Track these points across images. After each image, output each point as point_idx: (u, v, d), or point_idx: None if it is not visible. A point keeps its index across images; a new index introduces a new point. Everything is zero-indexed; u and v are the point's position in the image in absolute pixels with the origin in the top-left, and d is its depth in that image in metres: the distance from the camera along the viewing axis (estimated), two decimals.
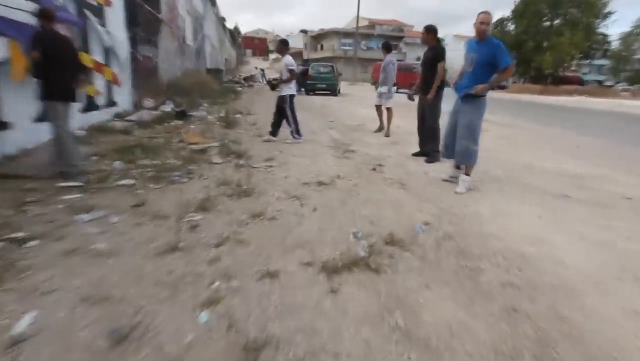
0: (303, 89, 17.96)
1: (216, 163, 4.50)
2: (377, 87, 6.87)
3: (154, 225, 2.77)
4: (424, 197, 3.60)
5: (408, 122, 8.35)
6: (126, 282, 2.11)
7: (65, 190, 3.39)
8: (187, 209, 3.04)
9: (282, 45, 5.75)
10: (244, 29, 73.84)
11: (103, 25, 6.82)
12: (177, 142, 5.51)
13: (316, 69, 18.13)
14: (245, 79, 24.81)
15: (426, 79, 4.91)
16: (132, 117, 7.12)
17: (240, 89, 17.54)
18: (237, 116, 8.43)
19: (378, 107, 7.00)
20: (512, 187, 4.02)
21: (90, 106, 6.34)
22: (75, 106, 4.06)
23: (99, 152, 4.68)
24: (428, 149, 5.09)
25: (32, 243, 2.45)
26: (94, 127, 6.04)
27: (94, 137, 5.47)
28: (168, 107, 8.54)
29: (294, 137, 5.89)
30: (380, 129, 7.05)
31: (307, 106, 11.97)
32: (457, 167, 4.02)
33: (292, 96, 5.78)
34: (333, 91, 17.67)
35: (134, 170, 4.04)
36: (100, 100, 6.77)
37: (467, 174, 3.83)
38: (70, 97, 3.73)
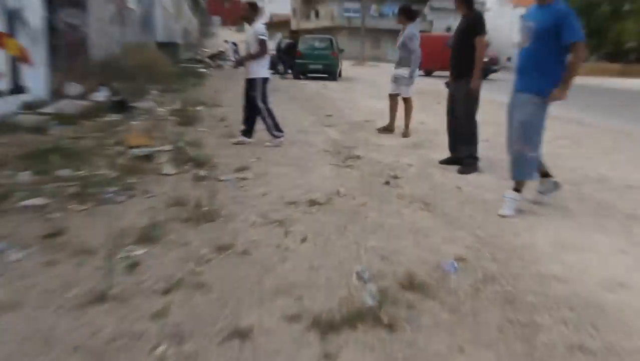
0: (290, 71, 18.14)
1: (167, 175, 4.51)
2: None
3: (75, 264, 2.72)
4: (456, 222, 3.59)
5: (436, 116, 8.47)
6: (28, 350, 2.05)
7: None
8: (124, 240, 3.01)
9: (251, 9, 5.89)
10: None
11: None
12: (113, 144, 5.51)
13: (308, 43, 18.38)
14: (212, 57, 25.03)
15: (458, 59, 4.96)
16: (49, 109, 7.10)
17: (204, 70, 17.66)
18: (199, 108, 8.47)
19: (392, 97, 7.05)
20: (581, 208, 4.02)
21: None
22: None
23: None
24: (462, 155, 5.10)
25: None
26: None
27: None
28: (101, 96, 8.55)
29: (273, 137, 5.92)
30: (387, 128, 7.04)
31: (295, 94, 12.09)
32: (545, 174, 4.03)
33: (264, 80, 5.88)
34: (332, 73, 17.92)
35: (48, 185, 3.99)
36: (1, 84, 6.74)
37: (517, 190, 3.83)
38: None
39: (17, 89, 7.19)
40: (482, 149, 6.00)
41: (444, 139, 5.62)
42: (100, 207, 3.62)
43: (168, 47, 19.47)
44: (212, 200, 3.79)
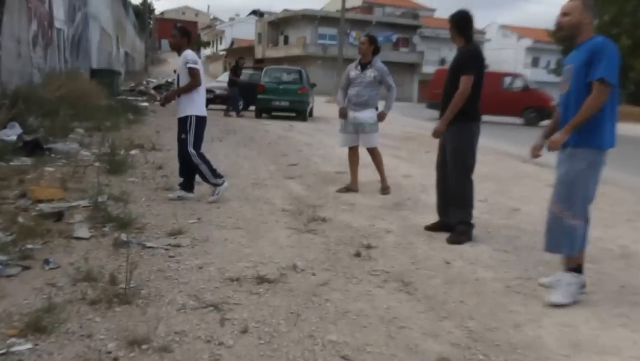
0: (251, 107, 18.26)
1: (80, 239, 4.34)
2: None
3: None
4: (441, 309, 3.46)
5: (423, 169, 8.48)
6: None
7: None
8: (6, 330, 2.80)
9: (180, 35, 5.85)
10: (160, 6, 75.89)
11: None
12: (16, 197, 5.32)
13: (273, 75, 18.61)
14: (158, 88, 25.12)
15: (448, 99, 4.98)
16: None
17: (146, 104, 17.61)
18: (134, 152, 8.33)
19: (352, 150, 6.97)
20: (600, 293, 3.91)
21: None
22: None
23: None
24: (453, 220, 5.03)
25: None
26: None
27: None
28: (11, 134, 8.33)
29: (213, 186, 5.89)
30: (350, 188, 6.86)
31: (254, 137, 12.08)
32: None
33: (199, 119, 5.83)
34: (300, 112, 18.16)
35: None
36: None
37: (575, 270, 3.67)
38: None
39: None
40: (479, 212, 5.97)
41: (432, 198, 5.57)
42: None
43: (105, 75, 19.57)
44: (132, 274, 3.59)
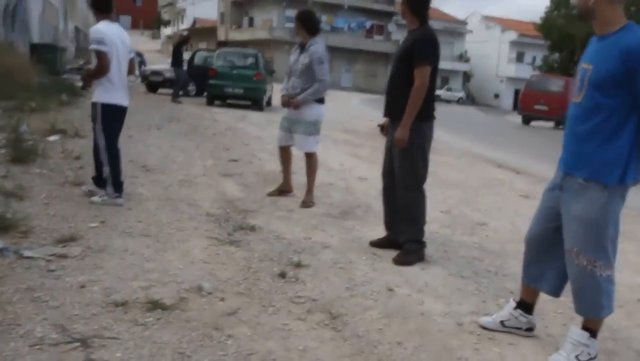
0: (205, 94, 17.67)
1: None
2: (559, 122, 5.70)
3: None
4: (374, 353, 2.98)
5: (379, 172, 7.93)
6: None
7: None
8: None
9: (100, 1, 5.20)
10: None
11: None
12: None
13: (226, 59, 18.02)
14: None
15: (394, 94, 4.49)
16: None
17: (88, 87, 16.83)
18: (52, 138, 7.69)
19: (283, 149, 6.18)
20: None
21: None
22: None
23: None
24: (401, 237, 4.56)
25: None
26: None
27: None
28: None
29: (105, 193, 5.20)
30: (282, 190, 6.25)
31: (198, 127, 11.52)
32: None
33: (111, 108, 5.17)
34: (256, 100, 17.61)
35: None
36: None
37: (590, 330, 3.07)
38: None
39: None
40: (439, 226, 5.58)
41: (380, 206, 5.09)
42: None
43: (46, 51, 18.73)
44: None
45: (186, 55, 19.85)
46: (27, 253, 3.72)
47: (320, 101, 5.93)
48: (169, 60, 19.34)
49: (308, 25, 5.88)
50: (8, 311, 2.92)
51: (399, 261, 4.40)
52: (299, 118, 5.90)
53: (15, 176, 5.57)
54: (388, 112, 4.61)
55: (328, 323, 3.23)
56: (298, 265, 4.07)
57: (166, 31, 73.11)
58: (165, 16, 76.84)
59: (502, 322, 3.39)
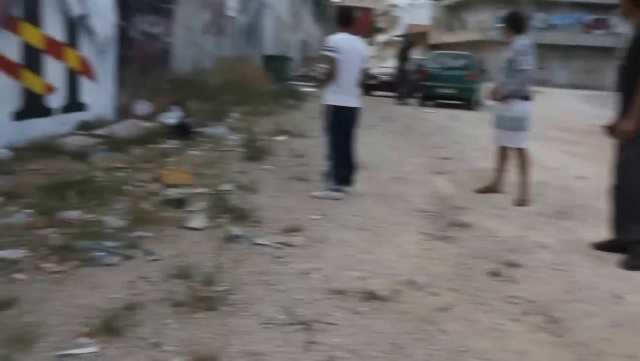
0: (418, 97, 17.66)
1: (192, 229, 4.19)
2: None
3: None
4: None
5: (604, 170, 7.20)
6: None
7: None
8: (79, 327, 2.65)
9: (342, 17, 5.57)
10: None
11: None
12: (150, 180, 5.36)
13: (439, 61, 17.92)
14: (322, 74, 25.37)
15: (629, 88, 4.04)
16: (102, 131, 7.25)
17: (311, 90, 17.78)
18: (280, 138, 8.23)
19: (499, 149, 5.96)
20: None
21: (34, 109, 6.55)
22: None
23: (12, 190, 4.66)
24: (630, 238, 4.07)
25: None
26: (35, 144, 6.18)
27: (23, 162, 5.55)
28: (171, 117, 8.65)
29: (326, 186, 5.41)
30: (490, 188, 5.95)
31: (410, 126, 11.50)
32: None
33: (340, 110, 5.36)
34: (467, 100, 17.22)
35: (42, 230, 3.88)
36: (56, 101, 7.00)
37: None
38: None
39: (75, 106, 7.49)
40: None
41: (603, 207, 4.61)
42: (81, 269, 3.37)
43: (275, 61, 20.08)
44: (229, 275, 3.31)
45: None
46: (258, 241, 4.00)
47: (526, 97, 5.69)
48: (384, 64, 19.65)
49: (513, 24, 5.84)
50: (243, 292, 3.15)
51: (628, 266, 3.93)
52: (505, 114, 5.75)
53: (250, 171, 6.05)
54: (621, 109, 4.16)
55: (546, 327, 2.99)
56: (512, 264, 3.84)
57: (381, 38, 74.74)
58: (380, 24, 78.59)
59: None
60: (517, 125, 5.69)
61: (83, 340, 2.56)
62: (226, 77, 12.73)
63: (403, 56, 17.76)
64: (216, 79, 12.39)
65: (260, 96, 12.69)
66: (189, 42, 12.43)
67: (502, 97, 5.72)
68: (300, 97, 14.90)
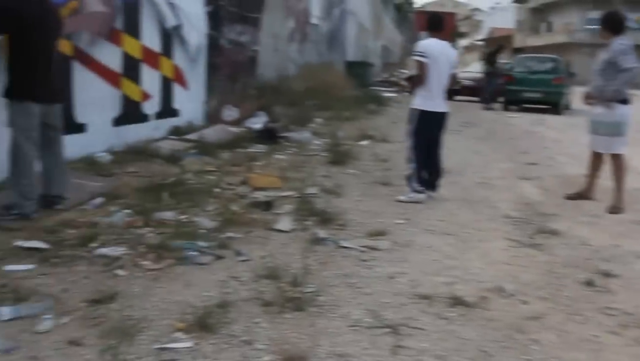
0: (502, 101, 17.17)
1: (279, 231, 4.24)
2: None
3: (98, 350, 2.47)
4: None
5: None
6: None
7: (19, 254, 3.46)
8: (176, 322, 2.74)
9: (432, 23, 5.54)
10: (421, 0, 76.61)
11: None
12: (238, 183, 5.47)
13: (524, 65, 17.41)
14: (409, 79, 25.09)
15: None
16: (192, 136, 7.48)
17: (392, 95, 17.65)
18: (362, 143, 8.20)
19: (594, 154, 5.65)
20: None
21: (131, 115, 6.86)
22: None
23: (113, 191, 4.87)
24: None
25: None
26: (131, 149, 6.46)
27: (121, 165, 5.80)
28: (258, 122, 8.84)
29: (410, 189, 5.35)
30: (582, 195, 5.66)
31: (494, 131, 11.18)
32: None
33: (428, 114, 5.30)
34: (554, 104, 16.57)
35: (139, 229, 4.04)
36: (151, 107, 7.31)
37: None
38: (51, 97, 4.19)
39: (168, 112, 7.79)
40: None
41: None
42: (175, 268, 3.48)
43: (357, 67, 20.07)
44: (316, 277, 3.33)
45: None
46: (344, 243, 3.99)
47: (624, 101, 5.35)
48: (466, 69, 19.23)
49: (610, 25, 5.48)
50: (330, 294, 3.15)
51: None
52: (602, 119, 5.43)
53: (334, 175, 6.07)
54: None
55: None
56: (607, 274, 3.64)
57: (463, 42, 73.35)
58: (462, 29, 77.11)
59: None
60: (615, 130, 5.38)
61: (179, 334, 2.64)
62: (309, 83, 12.86)
63: (491, 60, 17.33)
64: (300, 85, 12.53)
65: (343, 101, 12.70)
66: (274, 49, 12.65)
67: (601, 100, 5.42)
68: (381, 102, 14.81)
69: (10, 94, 4.04)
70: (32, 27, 3.97)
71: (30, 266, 3.31)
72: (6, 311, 2.78)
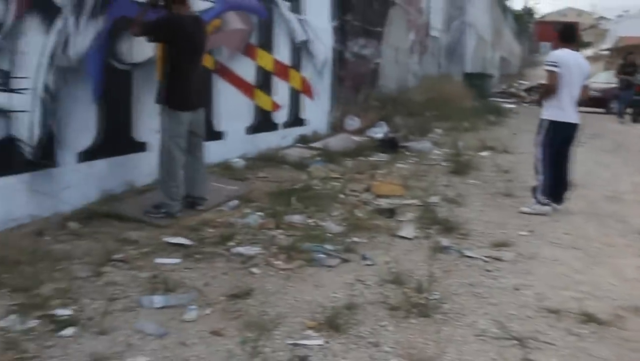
0: (630, 112, 15.89)
1: (403, 238, 4.21)
2: None
3: (237, 342, 2.59)
4: None
5: None
6: None
7: (167, 249, 3.71)
8: (306, 321, 2.81)
9: (565, 34, 5.29)
10: (544, 9, 73.01)
11: (297, 11, 7.68)
12: (362, 190, 5.50)
13: None
14: (529, 90, 24.01)
15: None
16: (318, 145, 7.64)
17: (511, 106, 16.96)
18: (483, 153, 7.95)
19: None
20: None
21: (263, 124, 7.14)
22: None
23: (246, 195, 5.08)
24: None
25: (66, 331, 2.61)
26: (262, 155, 6.72)
27: (253, 170, 6.05)
28: (379, 132, 8.86)
29: (535, 201, 5.08)
30: None
31: (622, 142, 10.38)
32: None
33: (558, 125, 5.04)
34: None
35: (271, 230, 4.18)
36: (280, 117, 7.57)
37: None
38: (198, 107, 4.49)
39: (296, 121, 8.03)
40: None
41: None
42: (305, 268, 3.56)
43: (475, 78, 19.52)
44: (440, 284, 3.27)
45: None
46: (467, 253, 3.90)
47: None
48: (592, 79, 17.93)
49: None
50: (455, 302, 3.09)
51: None
52: None
53: (455, 185, 5.93)
54: None
55: None
56: None
57: (587, 52, 68.97)
58: (586, 38, 72.50)
59: None
60: None
61: (310, 332, 2.70)
62: (429, 94, 12.67)
63: (627, 71, 16.05)
64: (420, 96, 12.40)
65: (462, 112, 12.38)
66: (396, 61, 12.63)
67: None
68: (501, 113, 14.26)
69: (165, 101, 4.33)
70: (187, 41, 4.27)
71: (176, 260, 3.53)
72: (158, 300, 2.99)
